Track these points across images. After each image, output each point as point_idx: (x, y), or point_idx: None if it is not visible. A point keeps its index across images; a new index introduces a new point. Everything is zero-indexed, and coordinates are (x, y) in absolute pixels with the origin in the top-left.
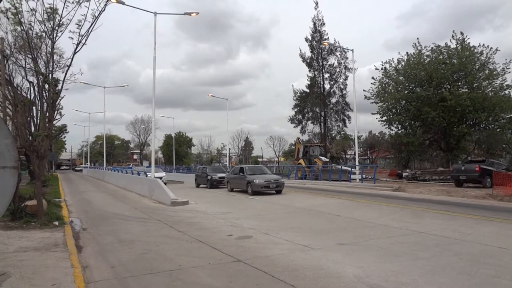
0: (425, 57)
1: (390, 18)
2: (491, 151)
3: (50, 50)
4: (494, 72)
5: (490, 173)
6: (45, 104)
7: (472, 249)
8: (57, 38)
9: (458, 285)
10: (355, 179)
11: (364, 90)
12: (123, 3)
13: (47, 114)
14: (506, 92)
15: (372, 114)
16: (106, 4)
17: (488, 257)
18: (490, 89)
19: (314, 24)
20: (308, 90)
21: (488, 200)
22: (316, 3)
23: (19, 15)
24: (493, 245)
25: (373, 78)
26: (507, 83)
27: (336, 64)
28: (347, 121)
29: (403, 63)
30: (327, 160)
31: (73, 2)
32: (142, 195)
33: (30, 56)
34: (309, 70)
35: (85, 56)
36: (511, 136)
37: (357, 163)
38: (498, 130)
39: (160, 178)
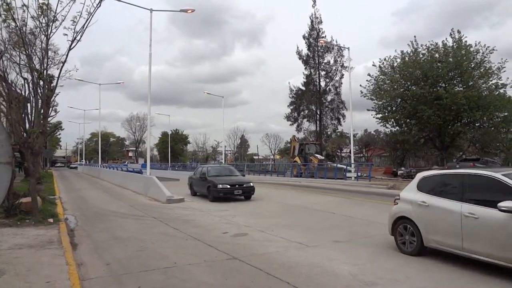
0: (421, 55)
1: (386, 14)
2: (486, 149)
3: (44, 46)
4: (490, 71)
5: None
6: (40, 100)
7: None
8: (51, 34)
9: (453, 282)
10: (350, 177)
11: (360, 86)
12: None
13: (42, 111)
14: (501, 91)
15: (368, 110)
16: (101, 0)
17: None
18: (485, 87)
19: (312, 21)
20: (304, 88)
21: None
22: (314, 1)
23: (11, 11)
24: None
25: (369, 75)
26: (502, 82)
27: (332, 62)
28: (342, 119)
29: (398, 61)
30: (323, 158)
31: None
32: (137, 192)
33: (25, 53)
34: (305, 68)
35: (78, 52)
36: (505, 134)
37: (352, 161)
38: (492, 128)
39: None
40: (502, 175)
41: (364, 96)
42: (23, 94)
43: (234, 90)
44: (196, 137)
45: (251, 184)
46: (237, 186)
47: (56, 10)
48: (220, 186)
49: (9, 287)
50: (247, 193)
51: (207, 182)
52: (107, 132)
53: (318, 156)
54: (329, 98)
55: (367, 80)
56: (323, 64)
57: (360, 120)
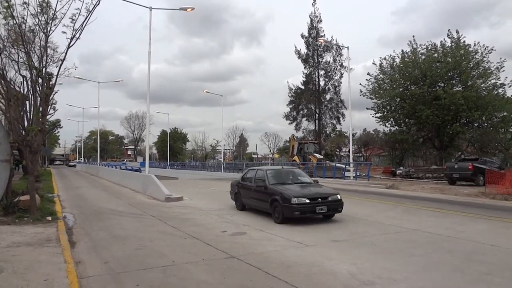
0: (420, 55)
1: (386, 14)
2: (484, 149)
3: (43, 44)
4: (488, 71)
5: (483, 171)
6: (39, 98)
7: (464, 246)
8: (50, 32)
9: (451, 282)
10: (349, 177)
11: (360, 84)
12: None
13: (41, 109)
14: (500, 90)
15: (367, 109)
16: None
17: (481, 255)
18: (484, 87)
19: (311, 20)
20: (303, 87)
21: (480, 198)
22: (314, 0)
23: (11, 9)
24: (486, 243)
25: (368, 74)
26: (501, 81)
27: (331, 61)
28: (341, 118)
29: (398, 60)
30: (322, 157)
31: None
32: (136, 191)
33: (24, 50)
34: (305, 67)
35: (77, 50)
36: (503, 134)
37: (351, 160)
38: (491, 128)
39: None
40: None
41: (364, 95)
42: (22, 92)
43: (233, 89)
44: (195, 135)
45: (339, 196)
46: (319, 200)
47: (55, 8)
48: (295, 200)
49: (7, 285)
50: (332, 211)
51: (268, 193)
52: (106, 130)
53: (317, 155)
54: (328, 97)
55: (366, 79)
56: (322, 63)
57: (359, 119)
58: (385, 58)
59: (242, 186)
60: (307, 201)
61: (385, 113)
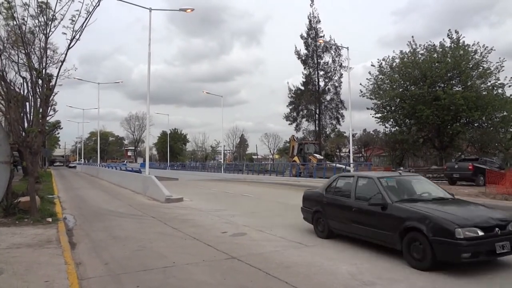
0: (420, 56)
1: (386, 13)
2: (484, 149)
3: (43, 45)
4: (488, 71)
5: (483, 171)
6: (39, 99)
7: None
8: (50, 33)
9: (451, 281)
10: None
11: (360, 84)
12: None
13: (41, 110)
14: (499, 90)
15: (367, 109)
16: None
17: None
18: (483, 88)
19: (310, 21)
20: (303, 88)
21: (481, 198)
22: (312, 0)
23: (12, 10)
24: None
25: (369, 73)
26: (500, 81)
27: (330, 62)
28: (341, 119)
29: (398, 61)
30: (322, 157)
31: None
32: (136, 192)
33: (23, 51)
34: (304, 68)
35: (77, 51)
36: (503, 134)
37: (351, 160)
38: (491, 128)
39: None
40: None
41: (363, 96)
42: (22, 93)
43: (232, 89)
44: (195, 136)
45: None
46: (497, 230)
47: (55, 9)
48: (462, 232)
49: (7, 287)
50: None
51: (392, 216)
52: (106, 131)
53: (317, 155)
54: (328, 97)
55: (367, 79)
56: (322, 63)
57: (359, 119)
58: (383, 59)
59: (329, 203)
60: (481, 233)
61: (385, 113)
